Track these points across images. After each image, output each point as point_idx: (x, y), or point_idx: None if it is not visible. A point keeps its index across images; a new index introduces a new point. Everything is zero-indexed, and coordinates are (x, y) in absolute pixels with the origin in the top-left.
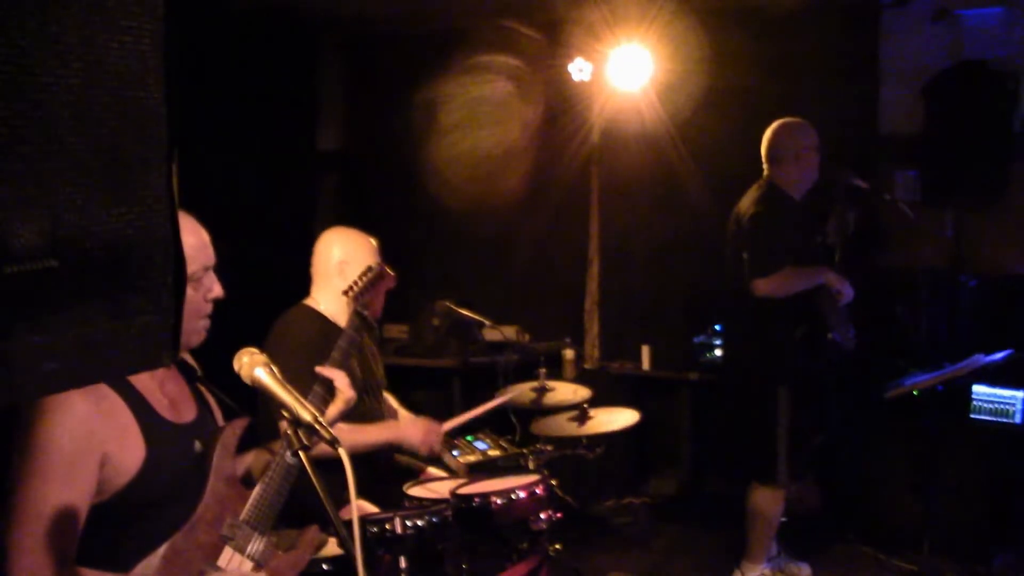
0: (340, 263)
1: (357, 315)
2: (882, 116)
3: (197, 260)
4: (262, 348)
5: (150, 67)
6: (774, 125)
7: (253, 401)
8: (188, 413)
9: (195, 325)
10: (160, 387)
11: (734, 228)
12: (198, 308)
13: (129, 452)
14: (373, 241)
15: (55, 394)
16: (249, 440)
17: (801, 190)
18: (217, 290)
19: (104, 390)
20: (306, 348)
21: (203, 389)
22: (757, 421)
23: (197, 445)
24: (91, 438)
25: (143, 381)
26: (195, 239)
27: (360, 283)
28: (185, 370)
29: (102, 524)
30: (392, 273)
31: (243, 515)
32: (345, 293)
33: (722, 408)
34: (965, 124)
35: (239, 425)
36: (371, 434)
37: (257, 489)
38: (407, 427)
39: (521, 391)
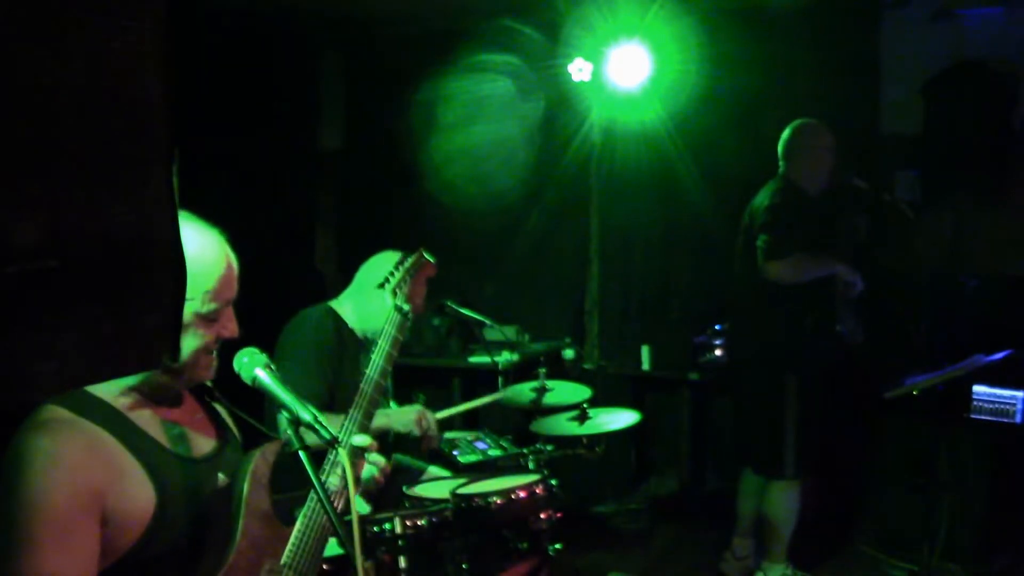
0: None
1: (398, 311)
2: (882, 116)
3: (222, 294)
4: (274, 342)
5: (150, 67)
6: (793, 124)
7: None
8: (205, 444)
9: (203, 360)
10: (165, 418)
11: (747, 222)
12: (208, 344)
13: (136, 501)
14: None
15: (40, 446)
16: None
17: (815, 189)
18: (232, 328)
19: (95, 433)
20: (319, 345)
21: (221, 410)
22: (765, 412)
23: (221, 478)
24: (86, 494)
25: (143, 415)
26: (220, 269)
27: (396, 275)
28: (197, 392)
29: None
30: (432, 260)
31: (284, 558)
32: (381, 286)
33: (728, 405)
34: (965, 124)
35: (271, 451)
36: None
37: (298, 525)
38: (398, 413)
39: (519, 392)
